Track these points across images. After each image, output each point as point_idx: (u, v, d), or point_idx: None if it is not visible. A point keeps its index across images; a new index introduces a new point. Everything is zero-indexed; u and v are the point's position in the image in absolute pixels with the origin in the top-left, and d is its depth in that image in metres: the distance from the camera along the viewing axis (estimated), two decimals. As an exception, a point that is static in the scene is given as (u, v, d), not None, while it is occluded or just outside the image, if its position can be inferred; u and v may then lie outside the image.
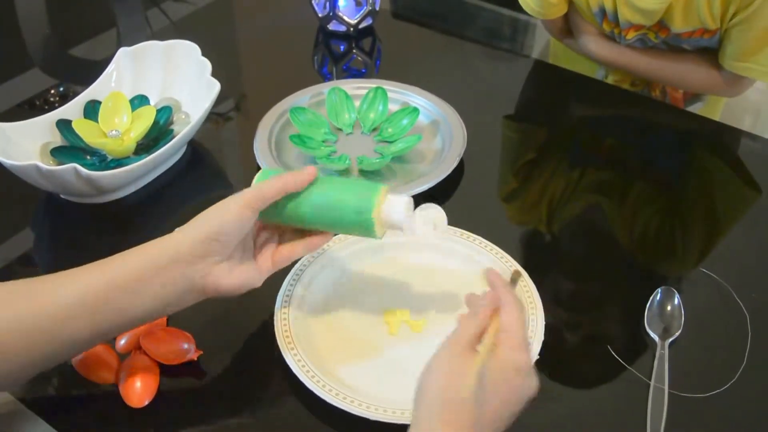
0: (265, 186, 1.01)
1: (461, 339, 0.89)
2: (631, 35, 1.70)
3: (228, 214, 0.99)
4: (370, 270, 1.22)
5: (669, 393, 1.05)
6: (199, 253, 0.97)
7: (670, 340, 1.12)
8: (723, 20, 1.56)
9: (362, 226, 1.03)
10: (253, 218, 1.01)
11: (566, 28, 1.85)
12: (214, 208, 1.00)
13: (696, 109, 1.84)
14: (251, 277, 1.04)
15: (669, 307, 1.17)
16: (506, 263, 1.19)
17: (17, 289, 0.96)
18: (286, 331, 1.09)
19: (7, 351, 0.91)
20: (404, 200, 1.02)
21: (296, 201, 1.03)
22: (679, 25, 1.60)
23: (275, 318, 1.10)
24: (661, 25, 1.63)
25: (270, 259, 1.06)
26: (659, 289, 1.19)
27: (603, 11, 1.68)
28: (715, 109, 1.88)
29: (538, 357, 1.06)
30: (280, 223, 1.08)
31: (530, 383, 0.88)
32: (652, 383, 1.06)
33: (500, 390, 0.86)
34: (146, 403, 1.04)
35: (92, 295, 0.94)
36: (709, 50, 1.69)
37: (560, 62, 1.95)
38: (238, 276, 1.02)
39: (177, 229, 1.00)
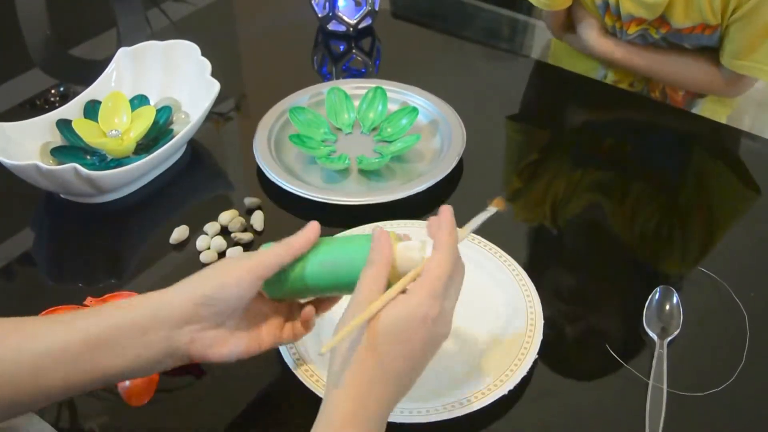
0: (269, 251, 0.94)
1: (365, 285, 0.87)
2: (633, 30, 1.69)
3: (227, 278, 0.90)
4: None
5: (667, 392, 1.05)
6: (187, 317, 0.89)
7: (669, 339, 1.12)
8: (723, 16, 1.56)
9: None
10: (254, 287, 0.92)
11: (567, 22, 1.85)
12: (213, 269, 0.93)
13: (698, 111, 1.83)
14: (247, 348, 0.95)
15: (668, 307, 1.17)
16: (504, 262, 1.20)
17: None
18: None
19: None
20: (416, 246, 0.92)
21: (301, 267, 0.95)
22: (680, 20, 1.60)
23: None
24: (663, 20, 1.63)
25: (275, 332, 0.99)
26: (658, 289, 1.19)
27: (606, 4, 1.68)
28: (721, 113, 1.87)
29: (537, 356, 1.06)
30: (286, 297, 0.99)
31: (439, 331, 0.86)
32: (650, 382, 1.06)
33: (401, 339, 0.83)
34: (146, 402, 1.04)
35: (65, 349, 0.85)
36: (709, 49, 1.69)
37: (561, 62, 1.95)
38: (230, 346, 0.93)
39: (171, 287, 0.91)
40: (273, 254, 0.93)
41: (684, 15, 1.59)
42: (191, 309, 0.89)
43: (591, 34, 1.77)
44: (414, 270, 0.88)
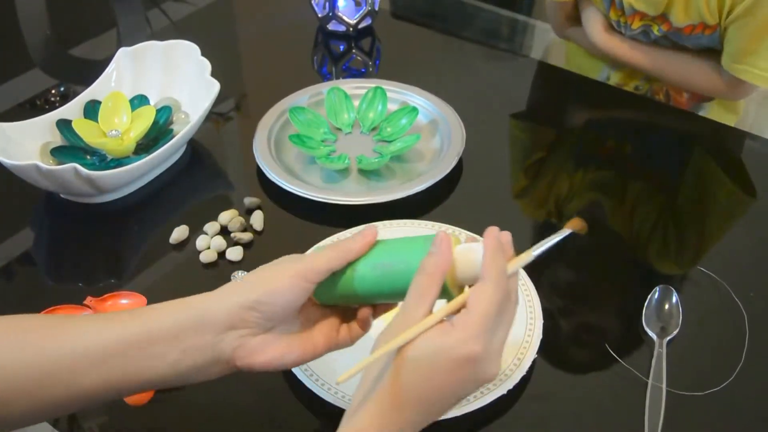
0: (321, 255, 0.88)
1: (410, 300, 0.81)
2: (636, 25, 1.69)
3: (275, 283, 0.85)
4: None
5: (667, 391, 1.05)
6: (233, 322, 0.85)
7: (668, 338, 1.12)
8: (721, 16, 1.56)
9: None
10: (304, 292, 0.87)
11: (573, 15, 1.85)
12: (261, 273, 0.88)
13: (704, 115, 1.83)
14: (302, 353, 0.90)
15: (667, 306, 1.17)
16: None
17: (29, 326, 0.84)
18: None
19: (12, 395, 0.80)
20: (479, 249, 0.84)
21: (351, 271, 0.88)
22: (680, 18, 1.60)
23: None
24: (664, 17, 1.63)
25: (330, 335, 0.92)
26: (657, 288, 1.19)
27: None
28: (728, 119, 1.86)
29: (536, 355, 1.06)
30: (338, 303, 0.93)
31: (485, 370, 0.79)
32: (649, 381, 1.06)
33: (432, 377, 0.78)
34: (145, 401, 1.04)
35: (105, 350, 0.82)
36: (712, 51, 1.68)
37: (571, 65, 1.94)
38: (280, 351, 0.88)
39: (216, 291, 0.87)
40: (325, 258, 0.87)
41: (684, 13, 1.59)
42: (237, 314, 0.84)
43: (595, 28, 1.77)
44: (461, 296, 0.81)
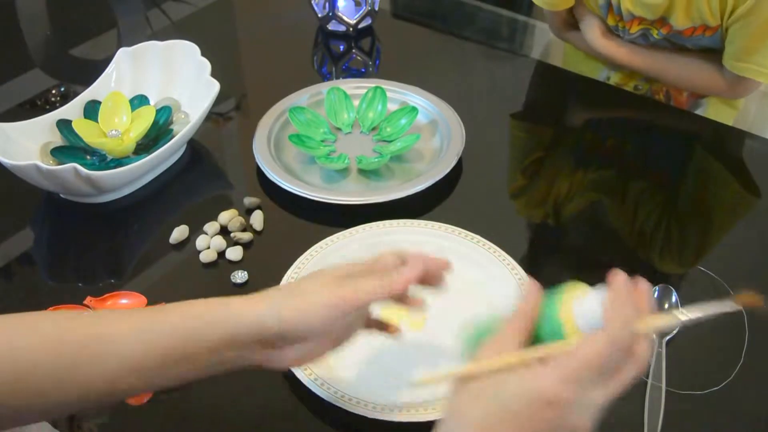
0: (365, 285, 0.84)
1: (502, 334, 0.78)
2: (635, 29, 1.69)
3: (311, 311, 0.83)
4: None
5: (666, 390, 1.05)
6: (264, 341, 0.84)
7: (668, 338, 1.12)
8: (722, 17, 1.56)
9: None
10: (338, 321, 0.85)
11: (569, 20, 1.84)
12: (299, 291, 0.85)
13: (703, 113, 1.83)
14: (325, 352, 0.90)
15: (666, 305, 1.17)
16: (503, 260, 1.20)
17: (69, 327, 0.83)
18: None
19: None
20: (597, 296, 0.79)
21: None
22: (680, 21, 1.59)
23: None
24: (663, 20, 1.63)
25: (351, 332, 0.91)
26: (657, 287, 1.19)
27: (608, 3, 1.68)
28: (726, 116, 1.86)
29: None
30: None
31: (569, 421, 0.72)
32: (649, 381, 1.06)
33: (517, 414, 0.72)
34: (145, 401, 1.04)
35: (142, 364, 0.81)
36: (712, 51, 1.68)
37: (569, 64, 1.94)
38: (304, 357, 0.88)
39: (252, 301, 0.85)
40: (366, 291, 0.84)
41: (684, 16, 1.59)
42: (268, 338, 0.83)
43: (594, 33, 1.76)
44: (571, 341, 0.76)
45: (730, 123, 1.81)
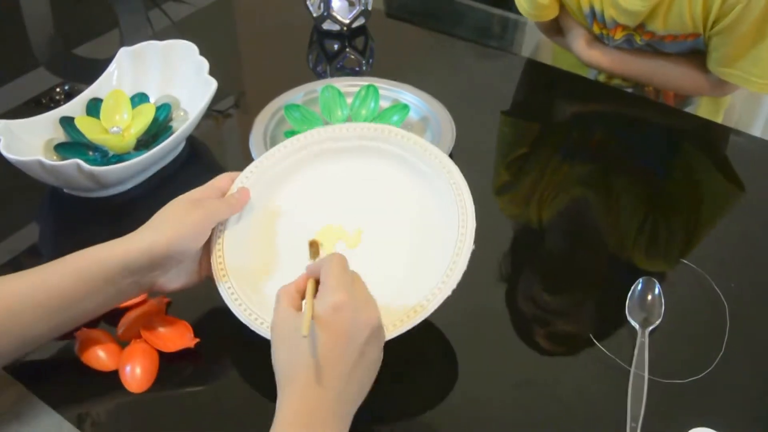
0: (218, 206, 1.06)
1: (282, 304, 0.91)
2: (619, 35, 1.69)
3: (184, 232, 1.00)
4: (305, 184, 1.18)
5: (649, 379, 1.05)
6: (152, 265, 0.99)
7: (651, 328, 1.13)
8: (704, 26, 1.56)
9: None
10: (206, 237, 1.04)
11: (556, 27, 1.85)
12: (169, 220, 1.02)
13: (692, 110, 1.83)
14: (198, 278, 1.09)
15: (650, 297, 1.17)
16: (443, 170, 1.13)
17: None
18: (220, 262, 1.08)
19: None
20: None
21: None
22: (660, 28, 1.59)
23: (212, 247, 1.09)
24: (644, 27, 1.63)
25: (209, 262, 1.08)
26: (640, 279, 1.19)
27: (593, 13, 1.68)
28: (715, 112, 1.87)
29: (474, 246, 1.05)
30: None
31: (359, 317, 0.88)
32: (632, 370, 1.07)
33: (329, 331, 0.86)
34: (146, 388, 1.05)
35: (57, 303, 0.97)
36: (696, 53, 1.68)
37: (559, 62, 1.94)
38: (185, 279, 1.07)
39: (128, 237, 1.01)
40: (220, 210, 1.06)
41: (664, 24, 1.58)
42: (156, 259, 0.98)
43: (579, 44, 1.76)
44: (309, 288, 0.92)
45: (719, 119, 1.82)
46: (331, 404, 0.84)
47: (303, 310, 0.88)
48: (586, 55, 1.76)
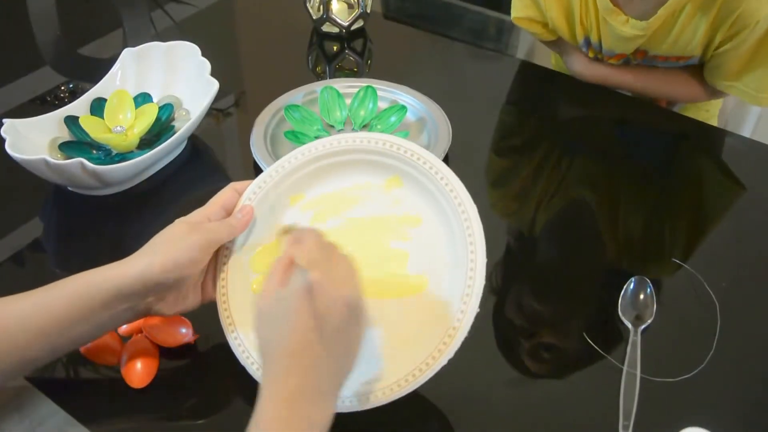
0: (217, 229, 0.98)
1: (271, 279, 0.87)
2: (614, 61, 1.68)
3: (181, 256, 0.93)
4: (315, 203, 1.07)
5: (641, 377, 1.05)
6: (147, 290, 0.93)
7: (643, 327, 1.12)
8: (708, 48, 1.54)
9: None
10: (205, 261, 0.98)
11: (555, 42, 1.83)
12: (167, 244, 0.95)
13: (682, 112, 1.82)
14: (197, 303, 1.03)
15: (642, 296, 1.17)
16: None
17: None
18: (224, 303, 1.02)
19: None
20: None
21: None
22: (660, 51, 1.58)
23: (217, 277, 1.04)
24: (643, 52, 1.61)
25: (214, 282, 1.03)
26: (633, 279, 1.18)
27: (588, 42, 1.67)
28: (705, 113, 1.86)
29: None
30: None
31: (333, 295, 0.83)
32: (624, 368, 1.06)
33: (302, 313, 0.82)
34: (147, 383, 1.04)
35: (47, 333, 0.92)
36: (690, 65, 1.67)
37: (560, 62, 1.93)
38: (185, 304, 1.01)
39: (123, 261, 0.94)
40: (219, 233, 0.98)
41: (662, 48, 1.57)
42: (151, 285, 0.92)
43: (579, 65, 1.74)
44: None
45: (714, 122, 1.81)
46: (313, 382, 0.81)
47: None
48: (587, 74, 1.73)
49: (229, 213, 1.02)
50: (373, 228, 1.04)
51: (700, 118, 1.70)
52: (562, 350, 1.13)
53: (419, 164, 1.02)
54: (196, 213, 1.00)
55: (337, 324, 0.83)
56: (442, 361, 0.92)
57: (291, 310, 0.82)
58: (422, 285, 1.00)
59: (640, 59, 1.65)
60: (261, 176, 1.04)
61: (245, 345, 0.99)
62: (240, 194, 1.04)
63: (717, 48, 1.53)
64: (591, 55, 1.71)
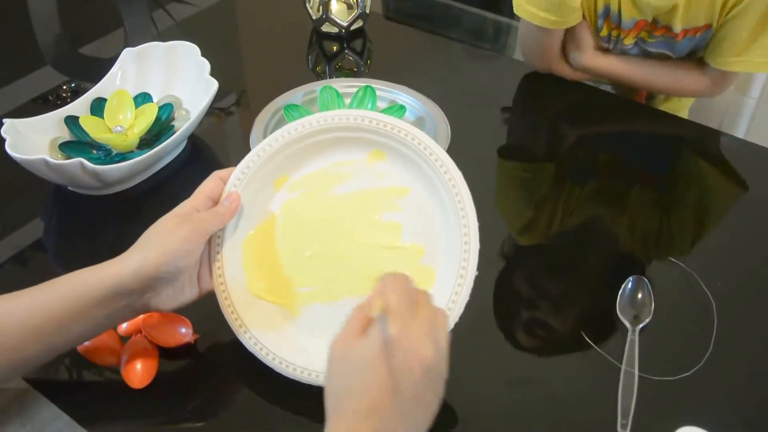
0: (206, 218, 0.97)
1: (347, 327, 0.83)
2: (629, 40, 1.66)
3: (175, 248, 0.93)
4: (301, 185, 1.08)
5: (639, 376, 1.04)
6: (143, 287, 0.93)
7: (641, 326, 1.11)
8: (721, 14, 1.54)
9: None
10: (199, 251, 0.97)
11: (552, 54, 1.77)
12: (159, 238, 0.94)
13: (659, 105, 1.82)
14: (199, 294, 1.02)
15: (640, 295, 1.16)
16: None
17: None
18: (223, 290, 1.02)
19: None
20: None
21: None
22: (679, 23, 1.57)
23: (211, 266, 1.03)
24: (658, 24, 1.60)
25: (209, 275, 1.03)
26: (631, 278, 1.18)
27: (607, 11, 1.64)
28: (678, 108, 1.86)
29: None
30: None
31: (410, 356, 0.78)
32: (623, 367, 1.05)
33: (377, 369, 0.78)
34: (146, 384, 1.03)
35: (42, 318, 0.91)
36: (694, 56, 1.67)
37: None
38: (183, 297, 0.99)
39: (118, 259, 0.94)
40: (209, 222, 0.97)
41: (684, 18, 1.56)
42: (146, 280, 0.92)
43: (585, 60, 1.71)
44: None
45: (685, 116, 1.82)
46: None
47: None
48: (594, 64, 1.71)
49: (215, 202, 1.02)
50: (363, 202, 1.05)
51: (673, 108, 1.70)
52: (561, 349, 1.12)
53: (400, 136, 1.04)
54: (183, 205, 1.00)
55: (412, 385, 0.78)
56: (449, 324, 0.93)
57: (367, 365, 0.78)
58: (419, 253, 1.02)
59: (659, 37, 1.63)
60: (243, 161, 1.04)
61: (262, 343, 1.00)
62: (225, 182, 1.03)
63: (728, 12, 1.52)
64: (606, 32, 1.68)
